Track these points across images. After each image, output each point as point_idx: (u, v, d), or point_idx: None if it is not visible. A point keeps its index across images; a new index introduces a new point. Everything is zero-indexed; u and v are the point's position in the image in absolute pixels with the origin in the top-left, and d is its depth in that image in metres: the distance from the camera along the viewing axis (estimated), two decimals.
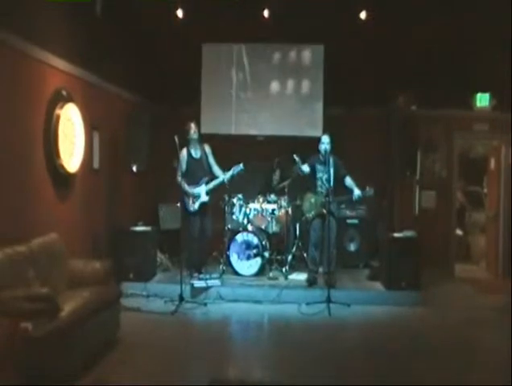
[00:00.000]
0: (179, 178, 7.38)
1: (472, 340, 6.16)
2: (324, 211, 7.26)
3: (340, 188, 7.44)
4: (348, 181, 7.46)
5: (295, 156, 7.35)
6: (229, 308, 6.99)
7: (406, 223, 8.60)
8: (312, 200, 7.43)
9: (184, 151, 7.57)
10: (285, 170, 8.69)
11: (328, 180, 7.23)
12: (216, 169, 7.70)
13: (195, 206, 7.57)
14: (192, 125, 7.61)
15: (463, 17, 8.38)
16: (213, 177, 7.68)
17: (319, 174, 7.40)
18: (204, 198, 7.59)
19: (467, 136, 9.75)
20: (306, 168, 7.40)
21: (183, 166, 7.49)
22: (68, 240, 5.91)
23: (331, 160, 7.25)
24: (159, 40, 8.90)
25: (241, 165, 7.53)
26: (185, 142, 7.59)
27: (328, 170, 7.22)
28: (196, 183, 7.60)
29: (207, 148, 7.73)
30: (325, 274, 7.38)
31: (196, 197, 7.57)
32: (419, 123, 8.64)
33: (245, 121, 9.26)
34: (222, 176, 7.60)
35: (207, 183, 7.63)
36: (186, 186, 7.49)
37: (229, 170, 7.56)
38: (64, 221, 6.29)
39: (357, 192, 7.31)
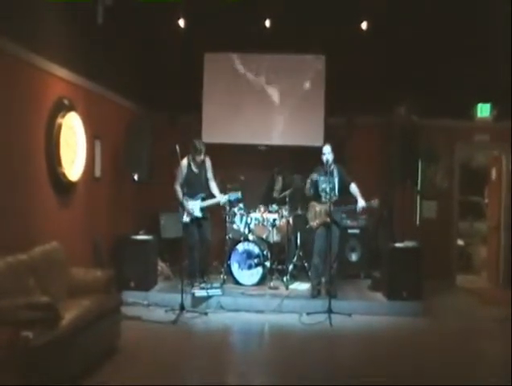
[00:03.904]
0: (177, 187, 7.43)
1: (473, 351, 6.13)
2: (328, 219, 7.23)
3: (346, 196, 7.39)
4: (353, 188, 7.34)
5: (296, 176, 7.71)
6: (229, 317, 6.97)
7: (407, 233, 8.58)
8: (317, 209, 7.38)
9: (185, 161, 7.57)
10: (286, 180, 8.69)
11: (333, 190, 7.22)
12: (213, 186, 7.67)
13: (187, 219, 7.51)
14: (196, 144, 7.52)
15: (464, 27, 8.44)
16: (210, 192, 7.65)
17: (322, 186, 7.35)
18: (198, 213, 7.57)
19: (468, 146, 9.77)
20: (310, 189, 7.38)
21: (183, 174, 7.51)
22: (70, 248, 5.89)
23: (334, 170, 7.24)
24: (160, 49, 8.94)
25: (239, 193, 7.61)
26: (188, 152, 7.58)
27: (332, 180, 7.20)
28: (192, 197, 7.58)
29: (207, 162, 7.67)
30: (326, 284, 7.36)
31: (190, 212, 7.53)
32: (420, 133, 8.62)
33: (247, 131, 9.25)
34: (219, 198, 7.60)
35: (203, 200, 7.62)
36: (181, 197, 7.40)
37: (229, 188, 7.67)
38: (65, 229, 6.29)
39: (361, 203, 7.20)
